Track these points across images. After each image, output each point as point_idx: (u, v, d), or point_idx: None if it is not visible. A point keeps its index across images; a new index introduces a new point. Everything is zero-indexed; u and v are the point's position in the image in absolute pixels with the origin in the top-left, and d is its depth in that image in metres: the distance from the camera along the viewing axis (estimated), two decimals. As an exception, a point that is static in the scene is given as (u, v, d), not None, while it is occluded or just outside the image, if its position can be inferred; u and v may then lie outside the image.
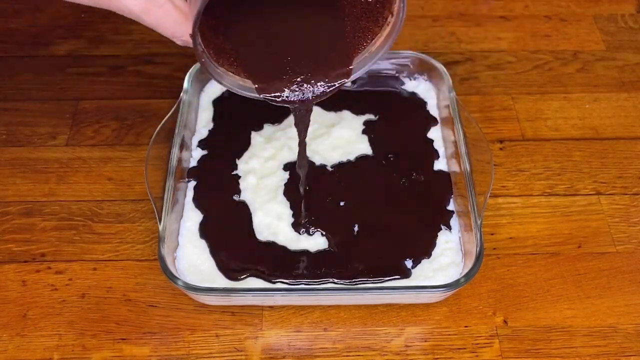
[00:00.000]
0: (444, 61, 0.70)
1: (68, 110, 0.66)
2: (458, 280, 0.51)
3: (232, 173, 0.60)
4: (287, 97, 0.47)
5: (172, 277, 0.50)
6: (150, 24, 0.43)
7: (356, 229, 0.56)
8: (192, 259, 0.54)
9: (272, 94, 0.47)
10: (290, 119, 0.63)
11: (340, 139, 0.62)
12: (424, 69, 0.66)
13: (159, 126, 0.57)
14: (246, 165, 0.60)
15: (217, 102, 0.65)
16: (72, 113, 0.66)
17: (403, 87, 0.66)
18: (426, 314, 0.53)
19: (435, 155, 0.61)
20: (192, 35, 0.41)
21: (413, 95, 0.66)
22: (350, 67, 0.47)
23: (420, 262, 0.54)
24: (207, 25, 0.43)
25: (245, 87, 0.46)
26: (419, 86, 0.66)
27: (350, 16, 0.47)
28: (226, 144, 0.62)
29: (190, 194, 0.58)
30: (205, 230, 0.56)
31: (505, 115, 0.67)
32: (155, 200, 0.53)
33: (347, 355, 0.51)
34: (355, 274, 0.53)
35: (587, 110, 0.67)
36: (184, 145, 0.59)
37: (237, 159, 0.61)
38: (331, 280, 0.53)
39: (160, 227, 0.52)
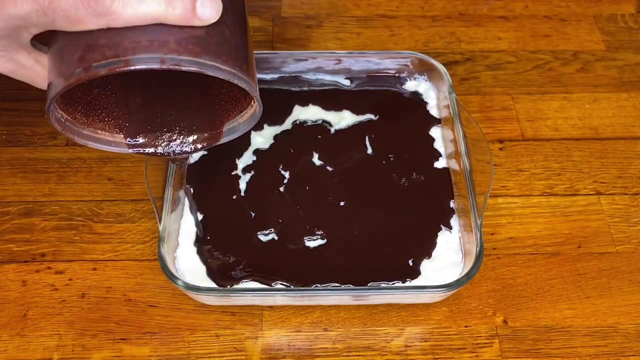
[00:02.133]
0: (444, 61, 0.70)
1: (68, 110, 0.66)
2: (458, 280, 0.51)
3: (232, 173, 0.60)
4: (154, 151, 0.48)
5: (172, 277, 0.50)
6: (23, 80, 0.45)
7: (356, 229, 0.56)
8: (192, 259, 0.54)
9: (142, 148, 0.48)
10: (291, 119, 0.64)
11: (340, 138, 0.62)
12: (424, 69, 0.66)
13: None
14: (246, 165, 0.60)
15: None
16: (72, 113, 0.66)
17: (403, 87, 0.66)
18: (426, 314, 0.53)
19: (435, 155, 0.61)
20: (47, 113, 0.41)
21: (413, 95, 0.66)
22: (220, 131, 0.48)
23: (420, 262, 0.54)
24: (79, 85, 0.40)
25: (113, 142, 0.47)
26: (419, 86, 0.66)
27: (222, 87, 0.48)
28: (226, 144, 0.62)
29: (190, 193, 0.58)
30: (204, 231, 0.56)
31: (505, 115, 0.67)
32: (155, 200, 0.53)
33: (347, 355, 0.51)
34: (365, 276, 0.53)
35: (587, 110, 0.67)
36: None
37: (237, 159, 0.61)
38: (334, 282, 0.53)
39: (160, 227, 0.52)
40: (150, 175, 0.55)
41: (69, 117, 0.44)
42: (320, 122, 0.63)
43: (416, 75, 0.67)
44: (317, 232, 0.56)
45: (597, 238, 0.58)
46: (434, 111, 0.64)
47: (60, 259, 0.56)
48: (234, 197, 0.58)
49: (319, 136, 0.62)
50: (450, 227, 0.56)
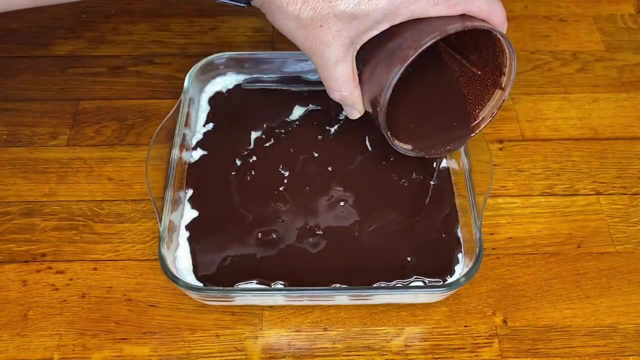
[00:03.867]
0: (444, 61, 0.70)
1: (68, 110, 0.66)
2: (458, 280, 0.51)
3: (232, 173, 0.60)
4: (436, 153, 0.55)
5: (172, 277, 0.50)
6: (333, 74, 0.50)
7: (356, 229, 0.56)
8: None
9: (424, 152, 0.55)
10: (291, 119, 0.64)
11: (340, 138, 0.62)
12: (424, 70, 0.66)
13: (159, 126, 0.58)
14: (246, 165, 0.60)
15: (217, 102, 0.65)
16: (72, 113, 0.66)
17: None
18: (426, 314, 0.54)
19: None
20: (387, 87, 0.48)
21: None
22: (474, 129, 0.55)
23: (420, 262, 0.54)
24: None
25: (399, 146, 0.54)
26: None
27: (468, 81, 0.56)
28: (226, 144, 0.62)
29: (190, 193, 0.58)
30: (203, 232, 0.56)
31: (505, 115, 0.67)
32: (156, 200, 0.53)
33: (347, 355, 0.52)
34: (365, 276, 0.53)
35: (586, 110, 0.67)
36: (184, 145, 0.60)
37: (237, 159, 0.61)
38: (334, 282, 0.53)
39: (161, 227, 0.52)
40: (151, 175, 0.55)
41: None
42: (320, 122, 0.63)
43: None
44: (316, 232, 0.56)
45: (596, 238, 0.58)
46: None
47: (61, 259, 0.56)
48: (234, 197, 0.58)
49: (319, 136, 0.62)
50: (449, 227, 0.56)
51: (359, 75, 0.51)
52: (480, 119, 0.55)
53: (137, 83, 0.69)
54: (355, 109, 0.53)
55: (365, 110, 0.54)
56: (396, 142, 0.53)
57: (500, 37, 0.49)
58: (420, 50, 0.46)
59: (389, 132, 0.52)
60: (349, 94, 0.51)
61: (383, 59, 0.49)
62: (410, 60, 0.47)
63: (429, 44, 0.46)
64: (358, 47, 0.50)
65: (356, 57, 0.51)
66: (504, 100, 0.53)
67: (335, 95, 0.52)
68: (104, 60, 0.71)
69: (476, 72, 0.54)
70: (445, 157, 0.59)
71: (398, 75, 0.47)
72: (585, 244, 0.58)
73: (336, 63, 0.49)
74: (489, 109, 0.54)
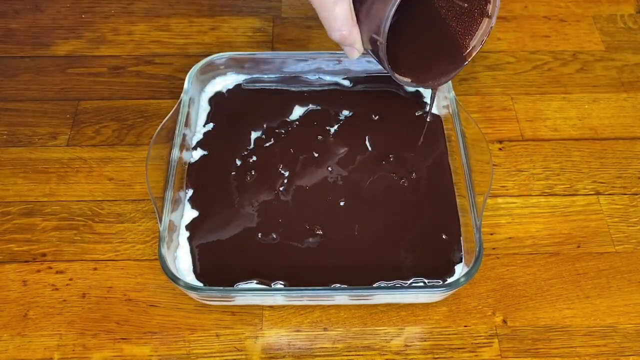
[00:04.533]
0: (444, 61, 0.70)
1: (69, 110, 0.66)
2: (457, 280, 0.51)
3: (232, 173, 0.60)
4: (431, 85, 0.59)
5: (172, 277, 0.50)
6: (332, 14, 0.51)
7: (356, 229, 0.56)
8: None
9: (423, 84, 0.58)
10: (291, 119, 0.64)
11: (340, 138, 0.62)
12: (424, 70, 0.66)
13: (160, 126, 0.58)
14: (246, 165, 0.60)
15: (217, 102, 0.65)
16: (72, 113, 0.66)
17: (403, 87, 0.67)
18: (426, 314, 0.54)
19: (435, 155, 0.61)
20: (385, 21, 0.50)
21: (413, 95, 0.66)
22: (467, 57, 0.58)
23: (419, 261, 0.54)
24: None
25: (399, 79, 0.56)
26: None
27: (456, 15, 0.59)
28: (226, 144, 0.62)
29: (190, 193, 0.58)
30: (203, 231, 0.56)
31: (505, 115, 0.67)
32: (156, 200, 0.53)
33: (347, 355, 0.52)
34: (364, 276, 0.53)
35: (586, 110, 0.68)
36: (184, 145, 0.60)
37: (237, 159, 0.61)
38: (334, 282, 0.53)
39: (161, 227, 0.52)
40: (151, 175, 0.55)
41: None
42: (320, 122, 0.63)
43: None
44: (316, 232, 0.56)
45: (596, 238, 0.58)
46: (433, 111, 0.65)
47: (61, 258, 0.56)
48: (234, 197, 0.58)
49: (319, 136, 0.62)
50: (449, 227, 0.56)
51: (357, 15, 0.53)
52: (471, 47, 0.57)
53: (137, 83, 0.69)
54: (354, 47, 0.55)
55: (365, 49, 0.56)
56: (397, 75, 0.55)
57: None
58: None
59: (390, 66, 0.53)
60: (348, 32, 0.52)
61: None
62: None
63: None
64: None
65: None
66: (491, 27, 0.56)
67: (335, 35, 0.53)
68: (104, 60, 0.71)
69: (463, 5, 0.57)
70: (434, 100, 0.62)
71: (395, 6, 0.49)
72: (585, 244, 0.58)
73: (335, 3, 0.51)
74: (478, 38, 0.57)
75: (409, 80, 0.57)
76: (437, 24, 0.60)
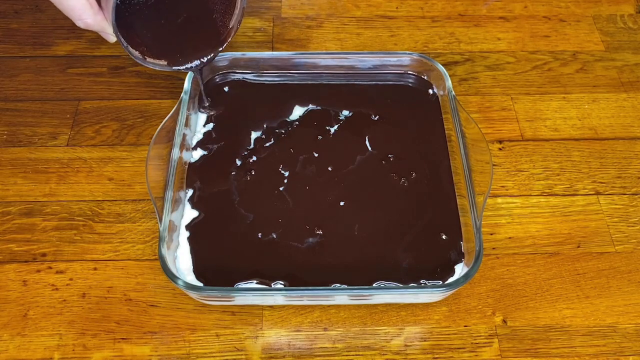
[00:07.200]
0: (444, 62, 0.70)
1: (69, 110, 0.66)
2: (457, 280, 0.51)
3: (232, 173, 0.60)
4: (188, 67, 0.59)
5: (172, 277, 0.50)
6: (65, 6, 0.51)
7: (356, 229, 0.56)
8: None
9: (178, 66, 0.59)
10: (291, 119, 0.64)
11: (340, 138, 0.62)
12: (424, 70, 0.66)
13: (160, 126, 0.58)
14: (246, 165, 0.60)
15: (217, 102, 0.65)
16: (72, 113, 0.66)
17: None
18: (426, 314, 0.54)
19: (435, 155, 0.61)
20: (112, 10, 0.51)
21: (413, 95, 0.66)
22: (225, 38, 0.59)
23: (419, 261, 0.54)
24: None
25: (151, 62, 0.57)
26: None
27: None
28: (226, 144, 0.62)
29: (190, 193, 0.58)
30: (203, 231, 0.56)
31: (505, 115, 0.67)
32: (156, 200, 0.53)
33: (347, 355, 0.52)
34: (364, 276, 0.53)
35: (586, 110, 0.68)
36: (184, 145, 0.60)
37: (237, 159, 0.61)
38: (334, 282, 0.53)
39: (161, 227, 0.52)
40: (151, 175, 0.55)
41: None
42: (320, 122, 0.64)
43: (416, 76, 0.67)
44: (317, 232, 0.56)
45: (596, 238, 0.58)
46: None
47: (61, 258, 0.56)
48: (234, 197, 0.58)
49: (319, 136, 0.62)
50: (449, 227, 0.56)
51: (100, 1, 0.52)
52: (229, 28, 0.59)
53: (137, 83, 0.69)
54: (107, 33, 0.54)
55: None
56: (148, 59, 0.56)
57: None
58: None
59: (137, 51, 0.55)
60: (92, 20, 0.52)
61: None
62: None
63: None
64: None
65: None
66: (244, 7, 0.57)
67: (80, 24, 0.52)
68: (104, 60, 0.71)
69: None
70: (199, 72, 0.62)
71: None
72: (585, 244, 0.58)
73: None
74: (235, 17, 0.58)
75: (164, 63, 0.57)
76: (197, 5, 0.59)
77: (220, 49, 0.59)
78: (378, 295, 0.53)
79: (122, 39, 0.53)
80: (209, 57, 0.59)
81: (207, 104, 0.64)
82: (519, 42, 0.74)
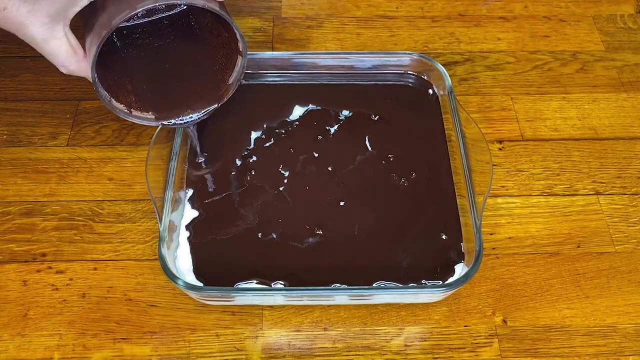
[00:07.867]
0: (444, 62, 0.70)
1: (69, 110, 0.66)
2: (457, 280, 0.51)
3: (232, 173, 0.60)
4: (178, 122, 0.56)
5: (172, 277, 0.50)
6: (47, 52, 0.49)
7: (356, 228, 0.56)
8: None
9: (167, 120, 0.56)
10: (291, 119, 0.64)
11: (340, 138, 0.62)
12: (424, 70, 0.66)
13: (160, 126, 0.58)
14: (246, 165, 0.60)
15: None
16: (73, 113, 0.66)
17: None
18: (426, 314, 0.54)
19: (435, 155, 0.61)
20: (91, 66, 0.49)
21: (414, 95, 0.66)
22: (224, 94, 0.56)
23: (420, 261, 0.54)
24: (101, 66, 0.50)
25: (138, 116, 0.54)
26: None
27: (214, 49, 0.57)
28: (226, 144, 0.62)
29: (190, 193, 0.58)
30: (203, 232, 0.56)
31: (505, 115, 0.67)
32: (156, 200, 0.53)
33: (347, 355, 0.52)
34: (364, 276, 0.53)
35: (586, 110, 0.68)
36: (184, 145, 0.60)
37: (237, 159, 0.61)
38: (334, 282, 0.53)
39: (161, 227, 0.52)
40: (151, 175, 0.55)
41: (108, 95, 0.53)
42: (320, 122, 0.64)
43: (416, 76, 0.67)
44: (317, 232, 0.56)
45: (596, 238, 0.58)
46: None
47: (61, 258, 0.56)
48: (234, 197, 0.58)
49: (319, 136, 0.62)
50: (449, 227, 0.56)
51: (86, 45, 0.50)
52: (228, 84, 0.56)
53: (137, 83, 0.69)
54: (90, 79, 0.52)
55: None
56: (134, 112, 0.54)
57: (206, 7, 0.49)
58: (110, 30, 0.46)
59: (123, 103, 0.53)
60: (75, 67, 0.50)
61: (90, 32, 0.49)
62: (104, 39, 0.47)
63: (118, 23, 0.46)
64: (68, 21, 0.48)
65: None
66: (244, 66, 0.54)
67: (63, 70, 0.51)
68: (104, 60, 0.71)
69: (224, 35, 0.55)
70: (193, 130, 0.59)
71: (95, 55, 0.47)
72: (585, 243, 0.58)
73: (45, 41, 0.48)
74: (235, 75, 0.55)
75: (152, 116, 0.54)
76: (198, 58, 0.56)
77: (217, 105, 0.56)
78: (378, 295, 0.53)
79: (104, 93, 0.51)
80: (203, 112, 0.56)
81: (202, 160, 0.60)
82: (519, 42, 0.74)
